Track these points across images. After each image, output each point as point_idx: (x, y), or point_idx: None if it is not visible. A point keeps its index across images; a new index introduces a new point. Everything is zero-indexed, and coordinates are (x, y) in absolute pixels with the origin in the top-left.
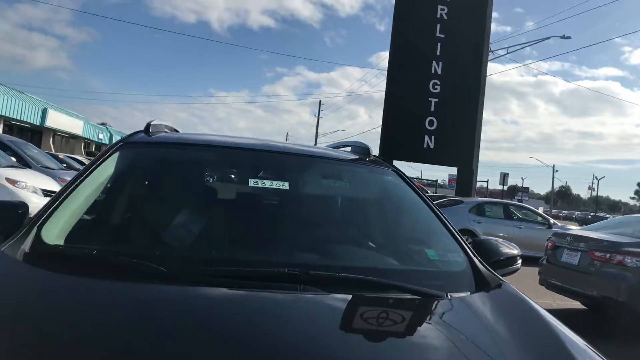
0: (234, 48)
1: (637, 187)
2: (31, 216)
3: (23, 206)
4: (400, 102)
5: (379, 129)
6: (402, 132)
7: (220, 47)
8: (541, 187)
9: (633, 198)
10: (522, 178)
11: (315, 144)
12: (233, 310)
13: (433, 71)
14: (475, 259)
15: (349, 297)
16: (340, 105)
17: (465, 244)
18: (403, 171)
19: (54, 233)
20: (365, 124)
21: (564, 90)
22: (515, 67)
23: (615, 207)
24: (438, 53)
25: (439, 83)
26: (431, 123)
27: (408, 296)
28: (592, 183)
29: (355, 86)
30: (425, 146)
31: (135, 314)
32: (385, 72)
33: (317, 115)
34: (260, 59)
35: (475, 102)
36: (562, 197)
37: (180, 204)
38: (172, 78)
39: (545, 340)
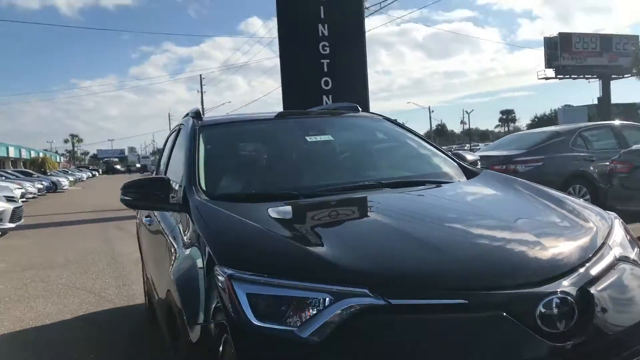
0: (89, 32)
1: (500, 115)
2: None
3: None
4: (296, 67)
5: (264, 97)
6: (301, 95)
7: (74, 33)
8: (421, 128)
9: (497, 125)
10: (404, 122)
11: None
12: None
13: (320, 34)
14: (459, 161)
15: (410, 188)
16: (216, 77)
17: (449, 156)
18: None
19: (214, 188)
20: (247, 93)
21: (426, 36)
22: (387, 22)
23: (484, 136)
24: (322, 16)
25: (327, 45)
26: (326, 83)
27: (428, 186)
28: (463, 118)
29: (229, 56)
30: (325, 105)
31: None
32: (260, 39)
33: (199, 91)
34: (122, 40)
35: (363, 58)
36: (439, 135)
37: (275, 156)
38: (27, 74)
39: (536, 190)
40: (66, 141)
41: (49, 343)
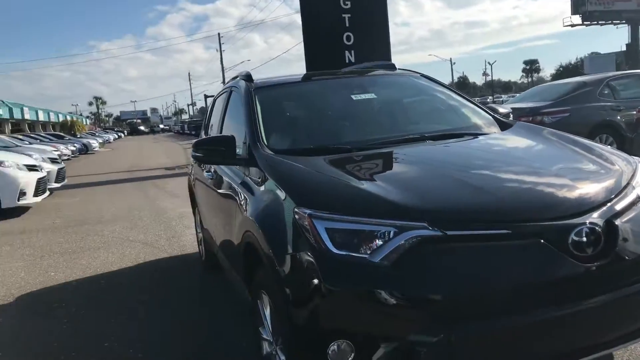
0: None
1: (523, 66)
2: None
3: None
4: (317, 23)
5: (284, 54)
6: (324, 52)
7: None
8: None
9: (521, 76)
10: None
11: (224, 79)
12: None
13: None
14: (493, 114)
15: (450, 140)
16: (233, 35)
17: (483, 108)
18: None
19: (275, 143)
20: (264, 51)
21: None
22: None
23: (507, 87)
24: None
25: None
26: (348, 38)
27: (468, 138)
28: (485, 69)
29: (245, 13)
30: (347, 61)
31: None
32: None
33: (217, 50)
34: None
35: (384, 12)
36: (461, 87)
37: (325, 114)
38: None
39: (567, 139)
40: (90, 104)
41: (120, 286)
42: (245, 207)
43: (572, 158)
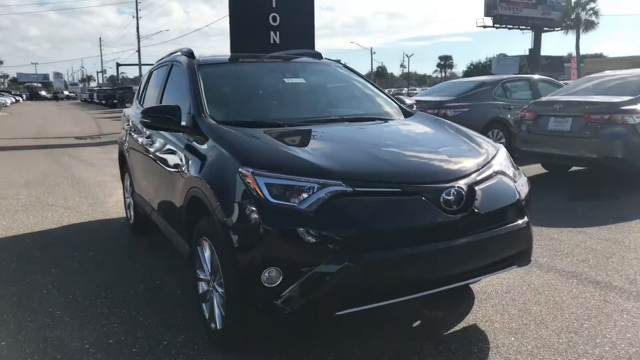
0: None
1: (438, 61)
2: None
3: None
4: (244, 2)
5: (204, 27)
6: (249, 31)
7: None
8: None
9: (435, 71)
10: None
11: (139, 47)
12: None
13: None
14: (400, 104)
15: (364, 122)
16: (151, 2)
17: (392, 99)
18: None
19: (217, 115)
20: (183, 21)
21: None
22: None
23: (422, 80)
24: None
25: None
26: (274, 19)
27: (377, 122)
28: (403, 61)
29: None
30: (272, 42)
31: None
32: None
33: (134, 16)
34: None
35: None
36: (379, 77)
37: (261, 92)
38: None
39: (454, 127)
40: None
41: (48, 245)
42: (189, 168)
43: (452, 141)
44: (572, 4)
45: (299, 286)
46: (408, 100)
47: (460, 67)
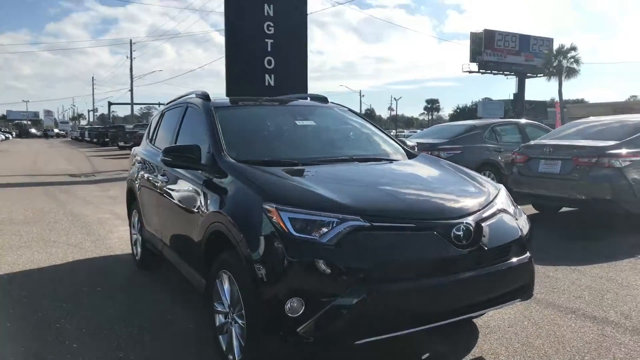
0: None
1: (425, 104)
2: None
3: None
4: (240, 46)
5: (197, 68)
6: (244, 73)
7: None
8: None
9: (422, 114)
10: None
11: (132, 87)
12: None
13: (266, 14)
14: (403, 145)
15: (372, 162)
16: (143, 43)
17: (396, 141)
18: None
19: (235, 155)
20: (175, 62)
21: (359, 19)
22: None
23: (410, 123)
24: None
25: (272, 24)
26: (269, 62)
27: (384, 162)
28: (391, 104)
29: (157, 20)
30: (267, 84)
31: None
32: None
33: (128, 56)
34: None
35: (304, 39)
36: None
37: (274, 133)
38: None
39: (456, 168)
40: None
41: (56, 281)
42: (209, 204)
43: (457, 181)
44: (554, 52)
45: (320, 316)
46: (410, 143)
47: (446, 110)
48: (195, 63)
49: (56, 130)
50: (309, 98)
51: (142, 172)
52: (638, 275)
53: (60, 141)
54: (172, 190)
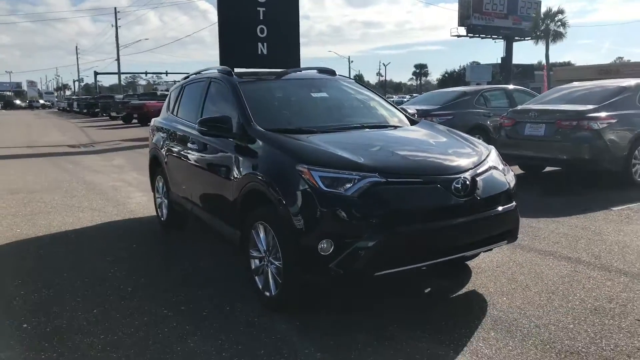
0: None
1: (414, 69)
2: None
3: None
4: (233, 15)
5: (184, 37)
6: (237, 43)
7: None
8: None
9: (411, 79)
10: None
11: (118, 56)
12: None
13: None
14: (405, 113)
15: (380, 129)
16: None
17: (398, 109)
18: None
19: (262, 124)
20: (159, 29)
21: None
22: None
23: (398, 88)
24: None
25: None
26: (262, 31)
27: (391, 128)
28: (380, 69)
29: None
30: (259, 52)
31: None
32: None
33: (113, 25)
34: None
35: (296, 7)
36: None
37: (294, 104)
38: None
39: (453, 132)
40: None
41: (93, 238)
42: (242, 168)
43: (455, 143)
44: (542, 16)
45: (348, 253)
46: (411, 110)
47: (435, 75)
48: (179, 31)
49: (41, 101)
50: (317, 71)
51: (168, 141)
52: (609, 225)
53: (47, 112)
54: (205, 156)
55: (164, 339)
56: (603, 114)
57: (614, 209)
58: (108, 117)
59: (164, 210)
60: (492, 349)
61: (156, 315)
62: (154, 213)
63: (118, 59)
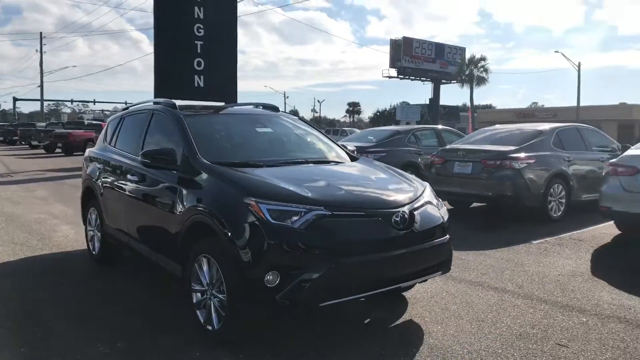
0: None
1: (347, 107)
2: None
3: None
4: (170, 48)
5: (115, 66)
6: (174, 75)
7: None
8: None
9: (344, 116)
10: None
11: (42, 82)
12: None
13: (196, 16)
14: (346, 150)
15: (324, 164)
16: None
17: (339, 146)
18: (298, 116)
19: (207, 157)
20: (88, 57)
21: (282, 21)
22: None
23: (332, 124)
24: None
25: (202, 27)
26: (199, 64)
27: (333, 164)
28: (314, 106)
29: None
30: (196, 85)
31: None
32: None
33: (37, 50)
34: None
35: (234, 41)
36: None
37: (238, 138)
38: None
39: (391, 169)
40: None
41: (16, 274)
42: (187, 200)
43: (394, 179)
44: (467, 61)
45: (294, 285)
46: (350, 147)
47: (367, 112)
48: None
49: None
50: (261, 107)
51: (105, 173)
52: (530, 257)
53: None
54: (146, 188)
55: None
56: (523, 155)
57: (534, 242)
58: (28, 146)
59: (97, 244)
60: None
61: (94, 355)
62: (83, 246)
63: (41, 85)
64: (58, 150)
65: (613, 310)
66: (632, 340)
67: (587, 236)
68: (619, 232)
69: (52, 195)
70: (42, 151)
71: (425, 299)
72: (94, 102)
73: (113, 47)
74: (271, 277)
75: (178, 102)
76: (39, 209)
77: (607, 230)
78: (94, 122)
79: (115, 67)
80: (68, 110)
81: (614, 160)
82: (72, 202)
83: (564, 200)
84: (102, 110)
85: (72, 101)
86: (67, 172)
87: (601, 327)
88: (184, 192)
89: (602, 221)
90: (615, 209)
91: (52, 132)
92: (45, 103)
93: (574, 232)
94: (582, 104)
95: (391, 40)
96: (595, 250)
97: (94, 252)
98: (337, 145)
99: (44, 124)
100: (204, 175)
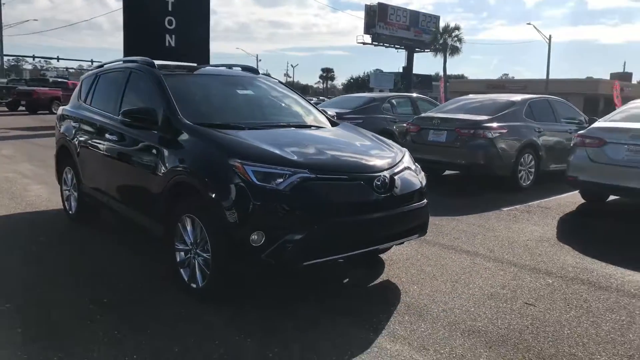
0: None
1: (321, 72)
2: None
3: None
4: (140, 5)
5: (80, 21)
6: (144, 34)
7: None
8: None
9: (317, 82)
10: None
11: (1, 37)
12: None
13: None
14: (326, 115)
15: (305, 128)
16: None
17: (320, 111)
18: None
19: (188, 117)
20: (47, 10)
21: None
22: None
23: (305, 90)
24: None
25: None
26: (170, 22)
27: (314, 128)
28: (287, 70)
29: None
30: (167, 44)
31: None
32: None
33: None
34: None
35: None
36: None
37: (219, 100)
38: None
39: (371, 134)
40: None
41: None
42: (168, 160)
43: (375, 145)
44: (441, 30)
45: (278, 244)
46: (331, 112)
47: (340, 79)
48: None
49: None
50: (240, 69)
51: (81, 132)
52: (500, 222)
53: None
54: (125, 148)
55: (92, 335)
56: (496, 124)
57: (504, 209)
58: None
59: (73, 203)
60: (406, 330)
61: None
62: (58, 206)
63: (0, 39)
64: (22, 108)
65: (577, 272)
66: (594, 300)
67: (554, 204)
68: (583, 200)
69: (18, 154)
70: (5, 109)
71: (401, 261)
72: (58, 58)
73: (77, 1)
74: (256, 237)
75: (156, 62)
76: (7, 168)
77: (572, 199)
78: (59, 80)
79: (80, 22)
80: (29, 67)
81: (582, 132)
82: (41, 161)
83: (533, 170)
84: (67, 68)
85: (34, 57)
86: (33, 130)
87: (565, 288)
88: (166, 152)
89: (568, 190)
90: (581, 178)
91: (15, 89)
92: (5, 58)
93: (542, 200)
94: (551, 77)
95: (366, 5)
96: (561, 217)
97: (70, 212)
98: (318, 110)
99: (4, 80)
100: (186, 136)
